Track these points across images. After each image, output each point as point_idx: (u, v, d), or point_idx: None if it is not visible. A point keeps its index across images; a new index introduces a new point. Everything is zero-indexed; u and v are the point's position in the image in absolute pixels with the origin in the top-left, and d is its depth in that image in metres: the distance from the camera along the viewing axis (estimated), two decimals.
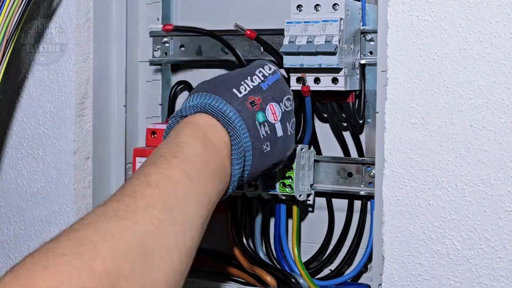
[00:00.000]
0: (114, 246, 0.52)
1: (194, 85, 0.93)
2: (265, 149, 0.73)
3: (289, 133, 0.75)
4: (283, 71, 0.81)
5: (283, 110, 0.75)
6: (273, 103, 0.74)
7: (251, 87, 0.73)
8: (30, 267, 0.48)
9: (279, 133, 0.74)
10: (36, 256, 0.49)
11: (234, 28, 0.85)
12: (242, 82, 0.73)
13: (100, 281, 0.49)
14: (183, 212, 0.60)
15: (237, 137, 0.70)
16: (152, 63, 0.98)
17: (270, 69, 0.76)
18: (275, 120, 0.73)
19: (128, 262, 0.52)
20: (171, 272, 0.56)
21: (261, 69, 0.76)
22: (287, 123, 0.75)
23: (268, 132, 0.73)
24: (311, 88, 0.83)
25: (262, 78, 0.74)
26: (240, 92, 0.72)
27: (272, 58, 0.86)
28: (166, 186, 0.60)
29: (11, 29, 0.84)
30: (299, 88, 0.83)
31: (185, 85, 0.96)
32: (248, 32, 0.85)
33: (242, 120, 0.71)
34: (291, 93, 0.78)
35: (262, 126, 0.72)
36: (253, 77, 0.74)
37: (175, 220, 0.58)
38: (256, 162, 0.72)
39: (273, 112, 0.73)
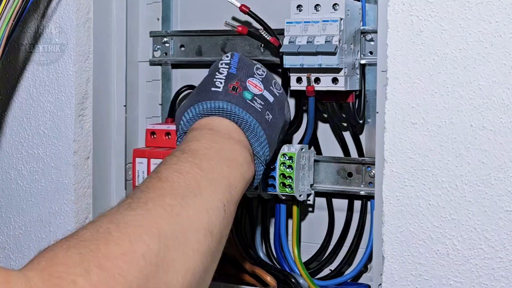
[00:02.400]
0: (128, 232, 0.55)
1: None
2: (268, 118, 0.76)
3: (277, 94, 0.79)
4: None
5: (260, 79, 0.79)
6: (249, 79, 0.78)
7: (224, 77, 0.77)
8: (54, 257, 0.51)
9: (270, 98, 0.78)
10: (59, 245, 0.52)
11: (225, 26, 0.86)
12: (214, 79, 0.77)
13: (109, 266, 0.52)
14: (196, 197, 0.62)
15: (241, 118, 0.73)
16: (152, 63, 0.98)
17: (227, 56, 0.80)
18: (261, 91, 0.77)
19: (144, 243, 0.55)
20: (189, 252, 0.59)
21: (220, 62, 0.80)
22: (271, 87, 0.79)
23: (262, 103, 0.76)
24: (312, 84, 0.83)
25: (227, 67, 0.78)
26: (219, 87, 0.76)
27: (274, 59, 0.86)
28: (176, 177, 0.63)
29: (10, 28, 0.84)
30: (300, 88, 0.83)
31: (191, 89, 0.95)
32: (240, 29, 0.86)
33: (236, 106, 0.74)
34: (256, 62, 0.82)
35: (254, 101, 0.76)
36: (220, 70, 0.78)
37: (188, 204, 0.61)
38: (268, 133, 0.76)
39: (254, 85, 0.77)
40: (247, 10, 0.87)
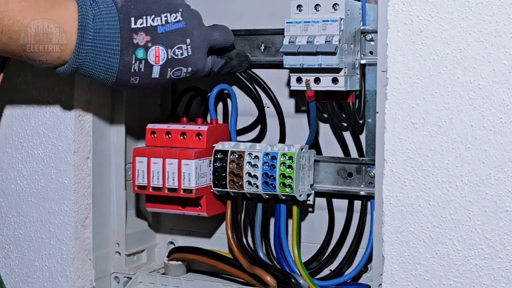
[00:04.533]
0: None
1: (203, 90, 0.94)
2: (132, 81, 0.75)
3: (168, 77, 0.76)
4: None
5: (169, 57, 0.74)
6: (160, 47, 0.73)
7: (148, 25, 0.73)
8: None
9: (155, 74, 0.74)
10: None
11: None
12: (144, 16, 0.73)
13: None
14: None
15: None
16: None
17: (175, 18, 0.75)
18: (156, 63, 0.74)
19: None
20: None
21: (168, 14, 0.75)
22: (169, 69, 0.75)
23: (142, 70, 0.73)
24: (312, 88, 0.83)
25: (163, 23, 0.74)
26: (135, 24, 0.72)
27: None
28: None
29: None
30: (300, 88, 0.83)
31: (193, 90, 0.95)
32: None
33: (120, 43, 0.72)
34: (188, 42, 0.76)
35: (138, 62, 0.73)
36: (156, 18, 0.74)
37: None
38: (110, 75, 0.74)
39: (157, 55, 0.73)
40: None
